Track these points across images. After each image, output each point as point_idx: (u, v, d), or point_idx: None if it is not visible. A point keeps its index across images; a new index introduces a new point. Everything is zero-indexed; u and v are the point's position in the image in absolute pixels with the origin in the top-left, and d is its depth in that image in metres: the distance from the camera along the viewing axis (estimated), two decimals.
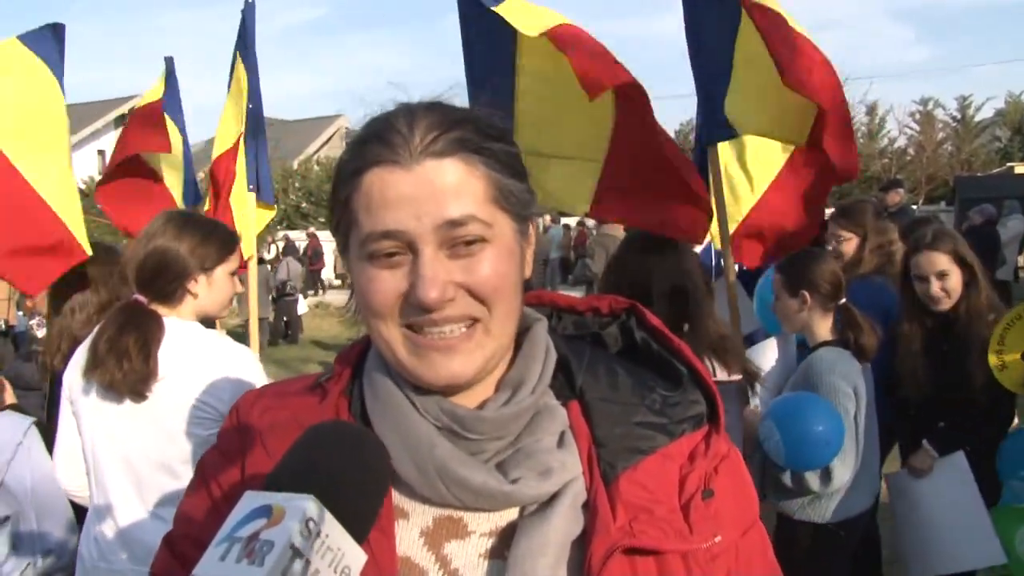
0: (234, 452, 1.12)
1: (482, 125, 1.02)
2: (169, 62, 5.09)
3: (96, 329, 2.57)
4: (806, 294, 3.55)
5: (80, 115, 36.43)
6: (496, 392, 1.07)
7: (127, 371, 2.46)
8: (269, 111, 4.66)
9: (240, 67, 4.53)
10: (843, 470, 3.34)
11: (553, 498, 1.02)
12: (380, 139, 0.99)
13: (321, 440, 0.87)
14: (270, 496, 0.79)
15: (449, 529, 1.04)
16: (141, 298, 2.60)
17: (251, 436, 1.11)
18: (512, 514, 1.04)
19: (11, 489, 2.64)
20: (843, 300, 3.58)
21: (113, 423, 2.54)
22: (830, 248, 4.62)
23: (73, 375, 2.63)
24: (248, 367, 2.63)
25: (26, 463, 2.68)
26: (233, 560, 0.74)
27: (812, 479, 3.35)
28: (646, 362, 1.14)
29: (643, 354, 1.14)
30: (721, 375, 2.98)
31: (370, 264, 1.00)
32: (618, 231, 10.02)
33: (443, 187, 0.96)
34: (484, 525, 1.04)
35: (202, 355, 2.58)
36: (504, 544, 1.01)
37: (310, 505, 0.77)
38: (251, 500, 0.79)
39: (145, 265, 2.57)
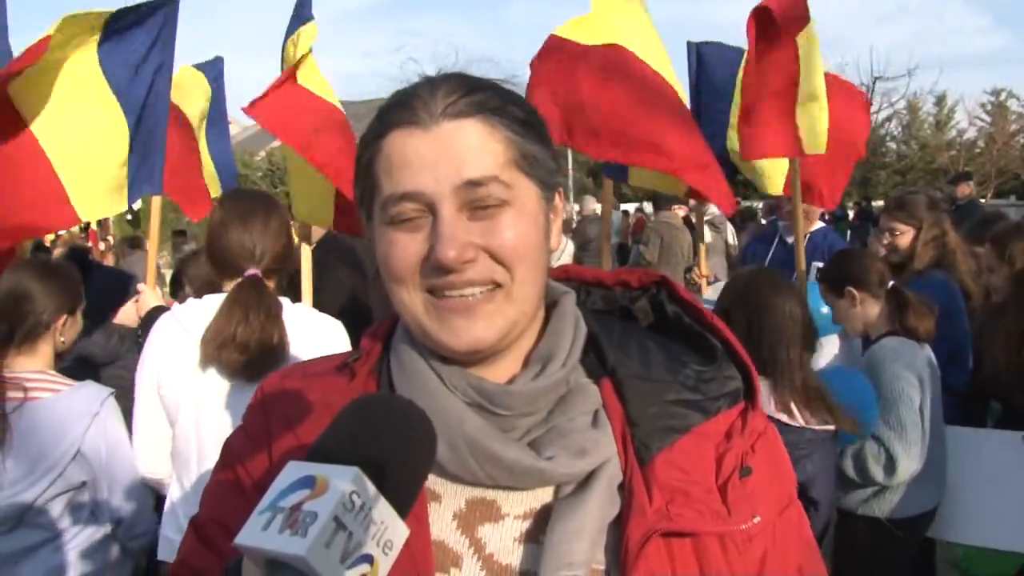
0: (261, 435, 1.10)
1: (502, 91, 1.01)
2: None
3: (220, 312, 2.58)
4: (852, 291, 3.55)
5: None
6: (525, 367, 1.05)
7: (254, 356, 2.52)
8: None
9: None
10: (908, 461, 3.27)
11: (588, 479, 1.00)
12: (402, 104, 0.99)
13: (366, 412, 0.86)
14: (314, 467, 0.77)
15: (483, 511, 1.02)
16: (257, 272, 2.66)
17: (278, 419, 1.09)
18: (546, 495, 1.02)
19: (87, 457, 2.68)
20: (890, 284, 3.54)
21: (226, 405, 2.58)
22: (885, 242, 4.50)
23: (165, 362, 2.66)
24: (341, 339, 2.71)
25: (102, 433, 2.71)
26: (276, 530, 0.73)
27: (876, 469, 3.30)
28: (678, 337, 1.11)
29: (675, 328, 1.12)
30: (801, 421, 2.89)
31: (391, 228, 0.99)
32: (675, 219, 9.91)
33: (462, 148, 0.96)
34: (518, 507, 1.02)
35: (301, 331, 2.65)
36: (539, 527, 1.00)
37: (355, 477, 0.75)
38: (295, 470, 0.78)
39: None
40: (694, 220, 7.10)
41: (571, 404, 1.04)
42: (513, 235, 0.98)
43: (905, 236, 4.43)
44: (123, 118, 3.69)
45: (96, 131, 3.63)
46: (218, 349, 2.54)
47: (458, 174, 0.95)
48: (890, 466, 3.28)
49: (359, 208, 1.07)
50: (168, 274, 16.22)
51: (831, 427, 2.94)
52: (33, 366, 2.75)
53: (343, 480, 0.75)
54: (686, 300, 1.12)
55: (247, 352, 2.52)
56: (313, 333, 2.69)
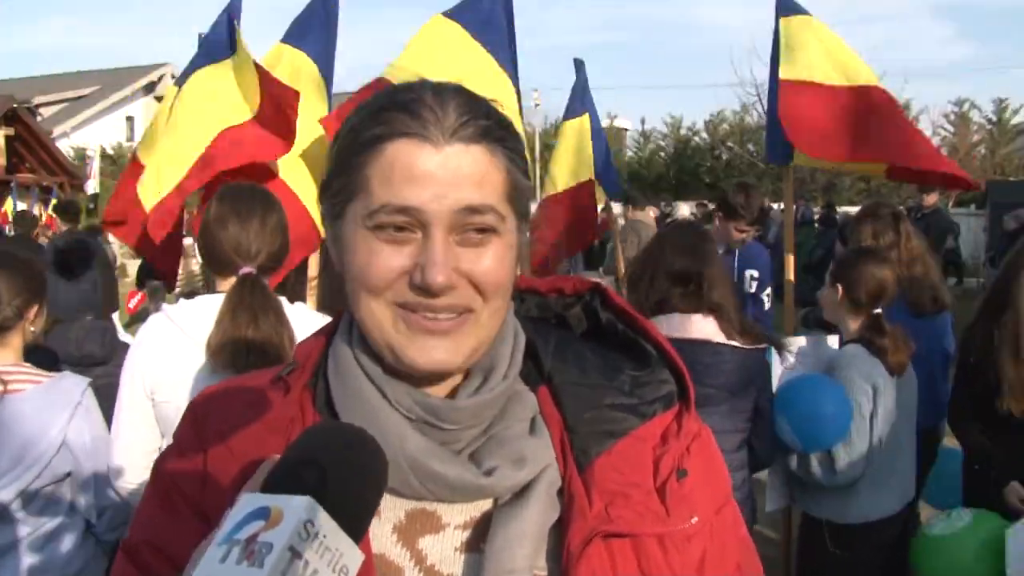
0: (193, 454, 1.07)
1: (502, 118, 1.02)
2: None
3: (224, 314, 2.46)
4: (840, 288, 3.60)
5: (110, 81, 36.72)
6: (466, 379, 1.05)
7: (273, 360, 2.39)
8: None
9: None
10: (849, 465, 3.37)
11: (528, 487, 1.01)
12: (409, 111, 0.96)
13: (319, 440, 0.86)
14: (268, 498, 0.79)
15: (423, 523, 1.02)
16: (252, 270, 2.58)
17: (212, 435, 1.06)
18: (486, 504, 1.02)
19: (72, 447, 2.67)
20: (879, 310, 3.58)
21: None
22: None
23: (162, 368, 2.56)
24: None
25: (85, 423, 2.70)
26: (233, 562, 0.74)
27: (816, 468, 3.42)
28: (612, 343, 1.12)
29: (609, 335, 1.13)
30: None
31: (375, 236, 0.96)
32: (648, 218, 10.00)
33: (468, 173, 0.95)
34: (458, 517, 1.02)
35: (302, 332, 2.55)
36: (480, 536, 1.00)
37: (308, 506, 0.77)
38: (249, 502, 0.79)
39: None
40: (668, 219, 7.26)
41: (508, 412, 1.05)
42: (496, 266, 0.98)
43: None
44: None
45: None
46: (232, 355, 2.43)
47: (459, 198, 0.94)
48: (830, 467, 3.39)
49: (323, 198, 1.04)
50: (130, 264, 16.00)
51: (765, 345, 3.30)
52: (6, 359, 2.71)
53: (297, 510, 0.76)
54: (620, 307, 1.13)
55: (264, 357, 2.41)
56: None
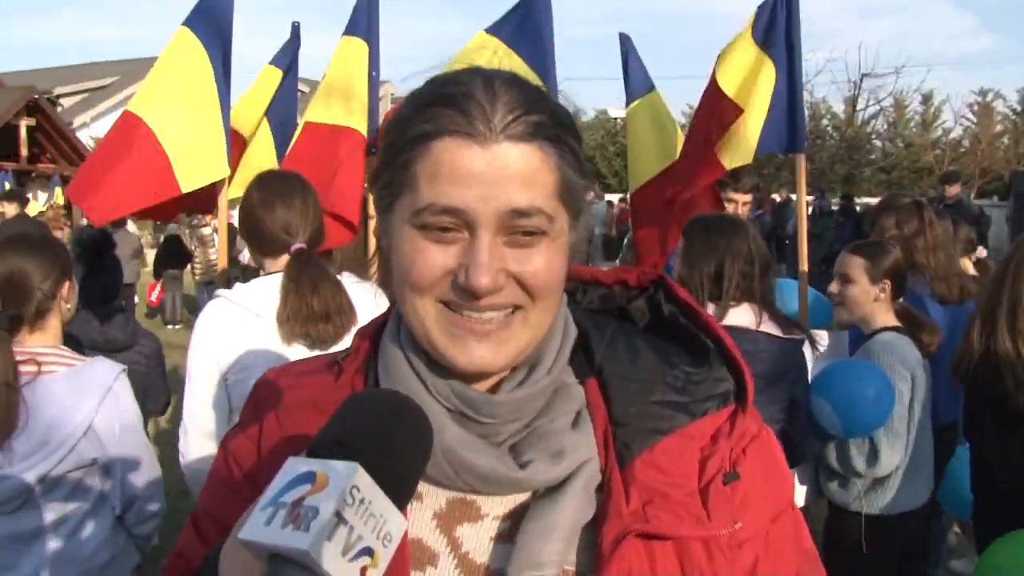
0: (252, 430, 1.12)
1: (559, 111, 0.99)
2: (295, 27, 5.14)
3: (288, 289, 2.67)
4: (888, 284, 3.55)
5: (129, 72, 36.89)
6: (511, 372, 1.03)
7: (339, 325, 2.69)
8: (313, 73, 4.72)
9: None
10: (891, 453, 3.34)
11: (565, 481, 1.00)
12: (457, 107, 0.93)
13: (364, 407, 0.87)
14: (314, 462, 0.79)
15: (462, 511, 1.02)
16: (303, 246, 2.77)
17: (269, 416, 1.10)
18: (524, 497, 1.02)
19: (99, 433, 2.65)
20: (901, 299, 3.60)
21: None
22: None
23: (237, 349, 2.67)
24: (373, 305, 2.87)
25: (115, 409, 2.69)
26: (279, 525, 0.75)
27: (858, 459, 3.37)
28: (673, 337, 1.10)
29: (670, 328, 1.10)
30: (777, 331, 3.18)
31: (421, 234, 0.96)
32: None
33: (516, 173, 0.93)
34: (497, 508, 1.02)
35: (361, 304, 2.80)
36: (516, 527, 1.00)
37: (354, 471, 0.77)
38: (294, 466, 0.79)
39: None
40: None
41: (553, 405, 1.04)
42: (545, 267, 0.96)
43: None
44: (215, 85, 4.04)
45: (193, 100, 4.02)
46: (304, 324, 2.65)
47: (507, 200, 0.92)
48: (872, 457, 3.36)
49: (374, 188, 1.03)
50: (149, 254, 16.04)
51: (802, 337, 3.30)
52: (45, 341, 2.72)
53: (343, 475, 0.76)
54: (683, 300, 1.10)
55: (331, 321, 2.67)
56: (360, 301, 2.80)
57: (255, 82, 4.85)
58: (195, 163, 4.01)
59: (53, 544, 2.64)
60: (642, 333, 1.11)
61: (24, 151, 25.25)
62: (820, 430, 3.41)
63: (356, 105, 4.53)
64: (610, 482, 0.99)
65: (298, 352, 2.62)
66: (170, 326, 14.59)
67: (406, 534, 0.96)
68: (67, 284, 2.78)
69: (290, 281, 2.68)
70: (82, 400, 2.63)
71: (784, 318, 3.29)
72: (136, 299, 13.92)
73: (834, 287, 3.69)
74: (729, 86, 4.35)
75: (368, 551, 0.76)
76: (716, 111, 4.38)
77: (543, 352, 1.03)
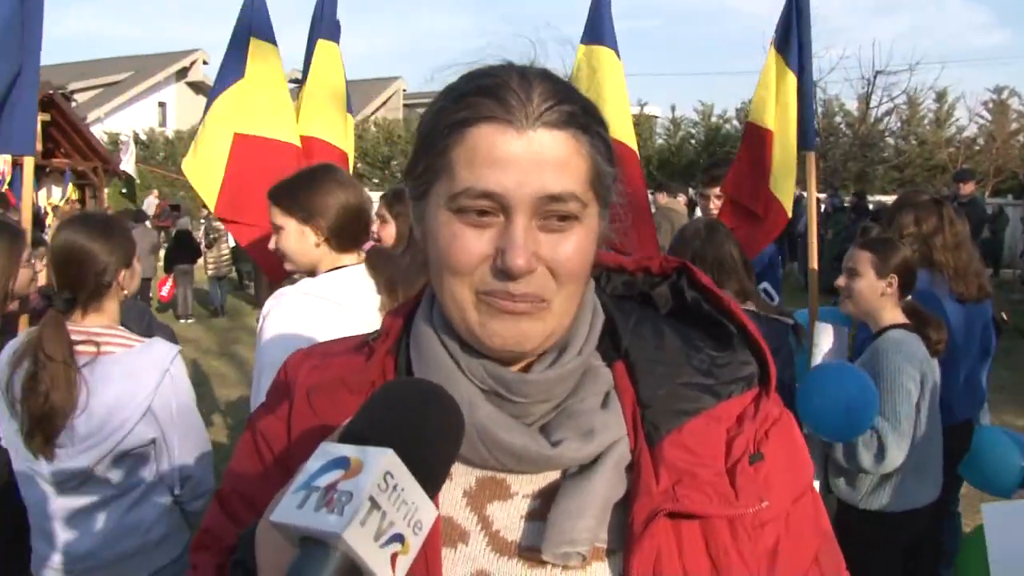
0: (281, 410, 1.13)
1: (589, 104, 1.02)
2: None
3: (382, 278, 2.85)
4: (895, 279, 3.55)
5: (143, 67, 37.03)
6: (542, 354, 1.06)
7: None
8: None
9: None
10: (898, 452, 3.36)
11: (595, 460, 1.02)
12: (494, 95, 0.97)
13: (398, 395, 0.88)
14: (348, 448, 0.79)
15: (492, 490, 1.04)
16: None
17: (297, 395, 1.12)
18: (554, 475, 1.04)
19: (156, 413, 2.71)
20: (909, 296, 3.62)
21: None
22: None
23: (312, 337, 2.67)
24: None
25: (172, 390, 2.75)
26: (312, 508, 0.75)
27: (865, 456, 3.39)
28: (696, 323, 1.13)
29: (693, 314, 1.13)
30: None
31: (457, 219, 0.98)
32: (679, 205, 9.90)
33: (551, 159, 0.96)
34: (527, 486, 1.04)
35: None
36: (546, 506, 1.01)
37: (388, 458, 0.78)
38: (328, 450, 0.80)
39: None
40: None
41: (583, 386, 1.06)
42: (575, 253, 0.99)
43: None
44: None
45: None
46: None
47: (542, 185, 0.95)
48: (880, 454, 3.37)
49: (407, 178, 1.05)
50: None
51: (786, 319, 3.40)
52: (101, 322, 2.76)
53: (377, 461, 0.77)
54: (706, 286, 1.13)
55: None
56: None
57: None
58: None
59: (112, 519, 2.71)
60: (665, 318, 1.14)
61: (39, 146, 25.38)
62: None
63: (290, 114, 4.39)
64: (639, 462, 1.02)
65: None
66: (182, 320, 14.67)
67: (436, 523, 0.97)
68: (125, 271, 2.80)
69: (378, 272, 2.87)
70: (141, 381, 2.69)
71: (771, 307, 3.36)
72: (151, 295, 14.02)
73: (841, 281, 3.71)
74: (759, 113, 4.45)
75: (399, 538, 0.77)
76: (756, 151, 4.46)
77: (573, 335, 1.06)
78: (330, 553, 0.74)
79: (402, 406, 0.86)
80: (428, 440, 0.84)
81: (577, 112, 0.98)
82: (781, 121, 4.27)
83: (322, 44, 4.58)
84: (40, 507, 2.74)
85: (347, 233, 2.88)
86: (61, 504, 2.70)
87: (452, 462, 0.89)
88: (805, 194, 4.66)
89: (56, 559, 2.73)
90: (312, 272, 2.91)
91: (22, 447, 2.65)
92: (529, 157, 0.95)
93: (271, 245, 2.96)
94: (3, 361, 2.70)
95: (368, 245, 2.98)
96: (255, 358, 2.83)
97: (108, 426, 2.63)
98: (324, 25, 4.58)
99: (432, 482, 0.83)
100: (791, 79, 4.25)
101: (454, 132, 0.97)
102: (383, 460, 0.77)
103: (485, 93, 0.97)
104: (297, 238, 2.86)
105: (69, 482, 2.66)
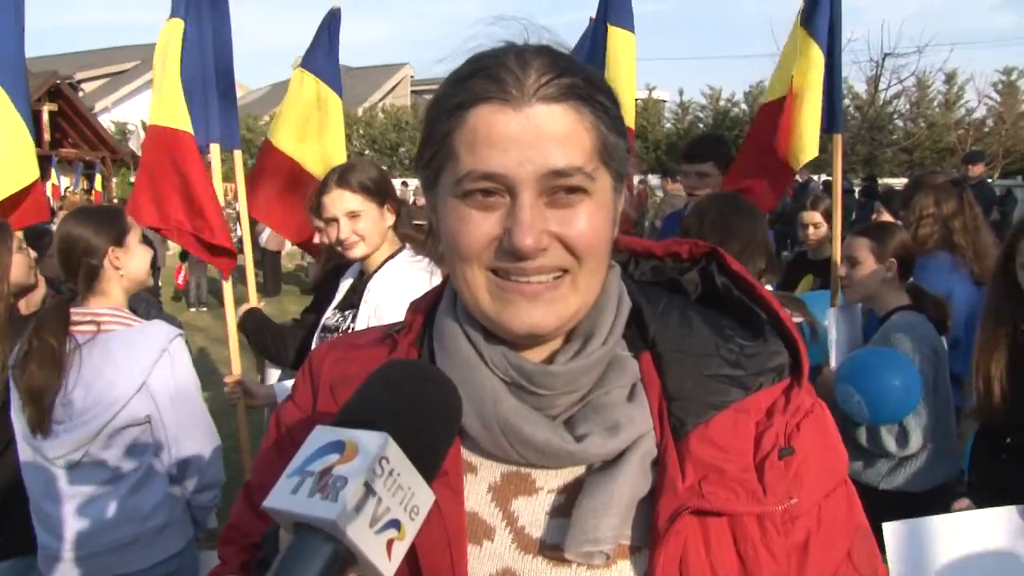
0: (306, 403, 1.13)
1: (592, 75, 0.99)
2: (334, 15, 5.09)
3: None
4: (894, 262, 3.57)
5: (150, 56, 37.01)
6: (566, 344, 1.04)
7: None
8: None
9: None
10: (919, 434, 3.36)
11: (621, 455, 0.99)
12: (490, 76, 0.95)
13: (393, 378, 0.86)
14: (343, 432, 0.78)
15: (517, 485, 1.02)
16: None
17: (321, 387, 1.12)
18: (580, 470, 1.01)
19: (152, 391, 2.78)
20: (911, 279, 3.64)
21: None
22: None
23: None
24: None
25: (169, 369, 2.81)
26: (306, 494, 0.74)
27: (888, 440, 3.39)
28: (727, 310, 1.09)
29: (724, 301, 1.10)
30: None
31: (464, 203, 0.97)
32: (682, 191, 9.86)
33: (551, 134, 0.93)
34: (553, 482, 1.02)
35: None
36: (571, 502, 0.99)
37: (383, 442, 0.76)
38: (322, 435, 0.78)
39: None
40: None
41: (608, 378, 1.03)
42: (588, 227, 0.97)
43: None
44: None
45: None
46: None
47: (545, 161, 0.93)
48: (903, 438, 3.38)
49: (418, 169, 1.05)
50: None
51: (801, 320, 3.29)
52: (107, 304, 2.86)
53: (373, 445, 0.75)
54: (737, 272, 1.09)
55: None
56: (417, 280, 3.13)
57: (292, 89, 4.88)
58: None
59: (111, 503, 2.77)
60: (695, 305, 1.10)
61: (47, 136, 25.44)
62: (843, 414, 3.40)
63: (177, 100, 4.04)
64: (665, 456, 0.99)
65: None
66: (193, 308, 14.75)
67: (462, 520, 0.98)
68: (112, 251, 2.86)
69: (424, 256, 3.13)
70: (137, 358, 2.77)
71: (786, 298, 3.33)
72: (161, 283, 14.07)
73: (842, 270, 3.73)
74: (774, 90, 4.44)
75: (395, 523, 0.76)
76: (770, 120, 4.42)
77: (597, 323, 1.03)
78: (325, 539, 0.73)
79: (398, 390, 0.84)
80: (424, 424, 0.82)
81: (578, 83, 0.95)
82: (801, 88, 4.19)
83: (301, 72, 4.79)
84: (41, 492, 2.81)
85: (405, 222, 3.22)
86: (61, 488, 2.77)
87: (449, 446, 0.87)
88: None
89: (56, 544, 2.79)
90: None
91: (27, 430, 2.74)
92: (529, 134, 0.93)
93: (342, 233, 3.12)
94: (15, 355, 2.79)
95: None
96: (372, 315, 3.03)
97: (104, 400, 2.71)
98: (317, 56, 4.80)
99: (429, 466, 0.81)
100: (816, 53, 4.17)
101: (454, 116, 0.96)
102: (378, 444, 0.75)
103: (482, 75, 0.95)
104: (377, 219, 3.15)
105: (70, 457, 2.73)
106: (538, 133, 0.93)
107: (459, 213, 0.97)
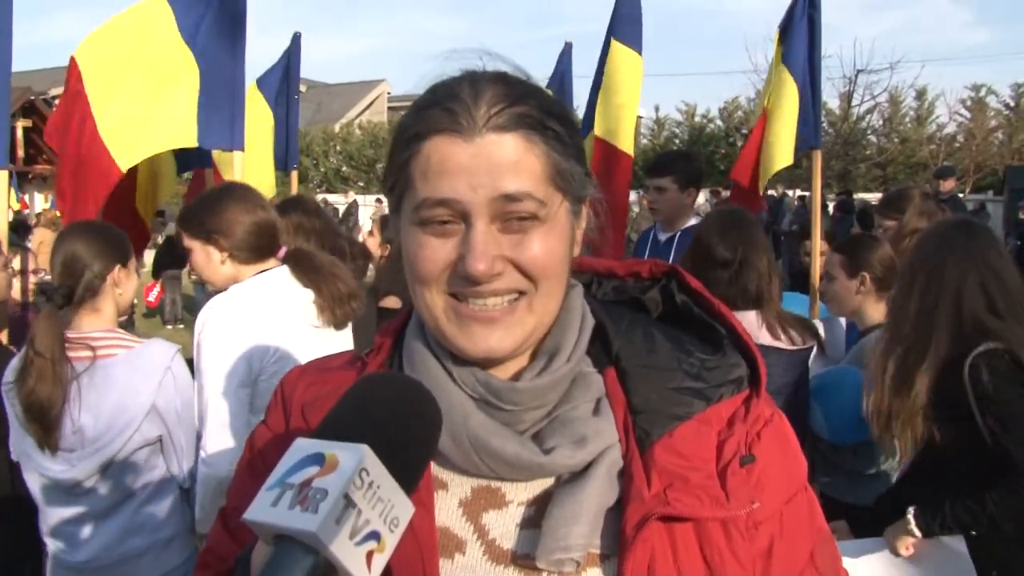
0: (278, 426, 1.15)
1: (545, 102, 1.02)
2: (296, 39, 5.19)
3: (313, 278, 2.95)
4: (866, 276, 3.58)
5: None
6: (531, 361, 1.07)
7: (355, 308, 3.02)
8: (311, 74, 4.88)
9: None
10: (890, 450, 3.31)
11: (588, 467, 1.02)
12: (443, 107, 0.99)
13: (373, 389, 0.87)
14: (322, 444, 0.78)
15: (488, 499, 1.04)
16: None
17: (293, 410, 1.13)
18: (548, 483, 1.04)
19: (161, 411, 2.78)
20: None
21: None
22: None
23: (269, 347, 2.83)
24: None
25: (174, 387, 2.81)
26: (286, 506, 0.74)
27: (850, 456, 3.41)
28: (687, 326, 1.12)
29: (684, 318, 1.13)
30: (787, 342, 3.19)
31: (421, 230, 1.00)
32: None
33: (501, 162, 0.97)
34: (522, 494, 1.04)
35: None
36: (541, 513, 1.01)
37: (363, 454, 0.76)
38: (302, 447, 0.78)
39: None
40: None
41: (574, 393, 1.06)
42: (542, 250, 0.99)
43: (892, 231, 4.47)
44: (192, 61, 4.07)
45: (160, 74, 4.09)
46: (343, 307, 2.97)
47: (495, 187, 0.96)
48: (869, 456, 3.39)
49: (385, 192, 1.08)
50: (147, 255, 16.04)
51: (812, 344, 3.29)
52: (100, 325, 2.82)
53: (352, 457, 0.75)
54: (695, 290, 1.13)
55: (360, 299, 3.02)
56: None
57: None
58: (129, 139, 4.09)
59: (123, 517, 2.78)
60: (656, 322, 1.14)
61: (20, 152, 25.22)
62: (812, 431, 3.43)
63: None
64: (631, 467, 1.02)
65: (321, 337, 2.89)
66: (169, 325, 14.61)
67: (434, 534, 1.00)
68: (118, 269, 2.85)
69: (307, 274, 2.96)
70: (143, 381, 2.76)
71: (797, 321, 3.28)
72: (135, 300, 13.95)
73: (821, 285, 3.78)
74: (762, 100, 4.67)
75: (375, 535, 0.76)
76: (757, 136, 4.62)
77: (561, 341, 1.06)
78: (305, 551, 0.73)
79: (378, 401, 0.84)
80: (404, 435, 0.83)
81: (529, 112, 0.98)
82: (775, 105, 4.35)
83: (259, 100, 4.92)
84: (53, 506, 2.80)
85: (251, 247, 2.97)
86: (74, 504, 2.77)
87: (429, 458, 0.89)
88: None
89: (69, 555, 2.79)
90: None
91: (36, 452, 2.71)
92: (480, 163, 0.96)
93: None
94: (11, 367, 2.76)
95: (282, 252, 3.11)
96: (195, 364, 2.89)
97: (115, 426, 2.70)
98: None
99: (409, 478, 0.81)
100: (787, 76, 4.33)
101: (411, 147, 1.00)
102: (358, 456, 0.75)
103: (436, 105, 0.99)
104: (204, 258, 3.00)
105: (80, 484, 2.72)
106: (489, 161, 0.96)
107: (418, 240, 1.01)
